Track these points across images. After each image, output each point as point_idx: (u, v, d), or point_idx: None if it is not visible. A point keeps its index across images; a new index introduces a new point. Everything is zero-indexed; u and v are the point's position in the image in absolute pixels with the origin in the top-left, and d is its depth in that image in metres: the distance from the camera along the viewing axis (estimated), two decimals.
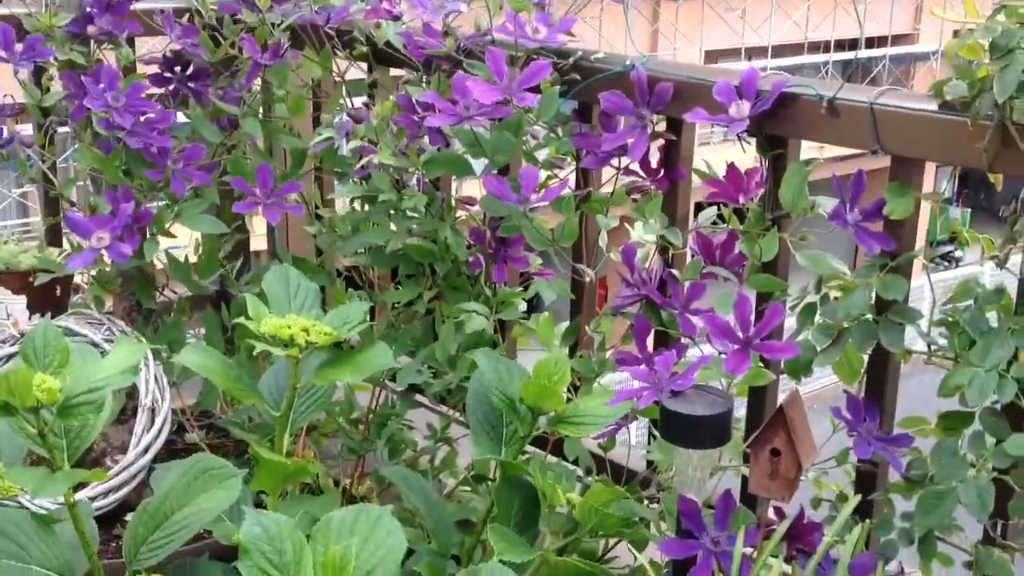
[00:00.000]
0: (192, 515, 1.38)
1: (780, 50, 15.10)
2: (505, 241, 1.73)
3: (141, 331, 1.94)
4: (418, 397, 1.92)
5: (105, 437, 1.93)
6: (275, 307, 1.49)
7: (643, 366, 1.38)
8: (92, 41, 1.96)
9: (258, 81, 1.96)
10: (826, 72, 15.21)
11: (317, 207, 1.96)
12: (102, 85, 1.72)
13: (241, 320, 1.42)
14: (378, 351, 1.45)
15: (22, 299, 2.02)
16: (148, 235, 1.83)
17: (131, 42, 2.09)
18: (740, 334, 1.27)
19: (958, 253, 15.06)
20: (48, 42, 1.89)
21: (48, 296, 2.02)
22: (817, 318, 1.39)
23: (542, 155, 1.63)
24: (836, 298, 1.41)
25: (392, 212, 1.76)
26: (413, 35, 1.66)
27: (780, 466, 1.16)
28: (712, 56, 14.99)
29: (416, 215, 1.76)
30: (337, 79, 1.91)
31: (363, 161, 1.65)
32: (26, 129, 2.03)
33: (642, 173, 1.58)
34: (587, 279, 1.67)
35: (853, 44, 15.35)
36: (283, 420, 1.46)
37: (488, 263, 1.76)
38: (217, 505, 1.39)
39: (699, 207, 1.54)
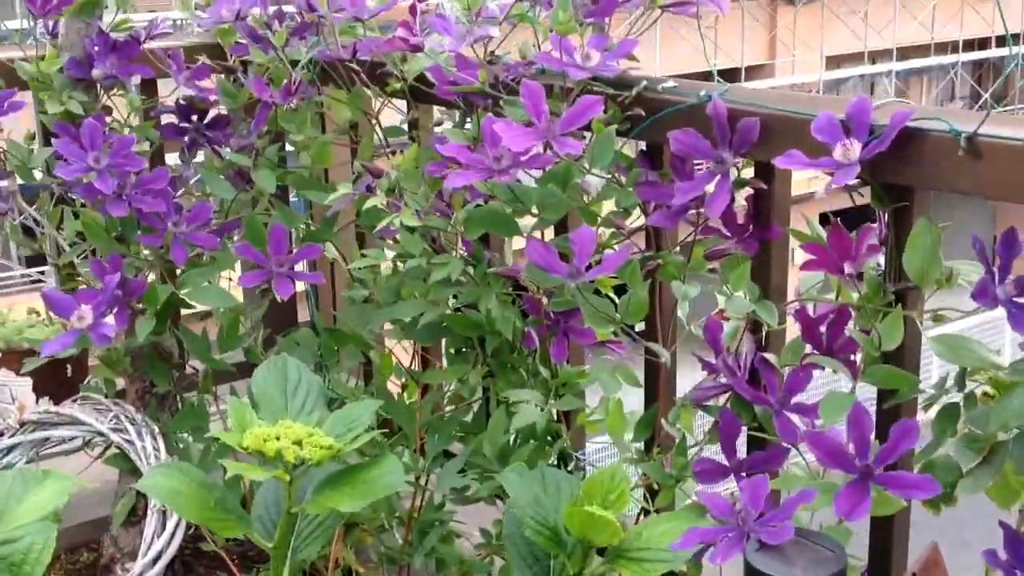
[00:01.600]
0: None
1: (905, 52, 14.47)
2: (565, 311, 1.42)
3: (154, 416, 1.70)
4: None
5: (115, 541, 1.69)
6: (267, 410, 1.22)
7: (725, 491, 1.06)
8: (99, 87, 1.73)
9: None
10: (955, 74, 14.48)
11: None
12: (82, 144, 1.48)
13: (218, 434, 1.15)
14: (387, 467, 1.16)
15: (28, 381, 1.79)
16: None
17: (151, 85, 1.86)
18: (857, 461, 0.94)
19: None
20: (44, 91, 1.65)
21: (57, 377, 1.80)
22: (960, 425, 1.05)
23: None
24: (986, 395, 1.07)
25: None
26: (442, 68, 1.36)
27: None
28: (834, 61, 14.44)
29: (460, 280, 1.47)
30: (372, 121, 1.63)
31: (384, 221, 1.36)
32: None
33: (725, 231, 1.25)
34: (662, 360, 1.35)
35: (983, 44, 14.58)
36: (279, 554, 1.18)
37: (545, 338, 1.45)
38: None
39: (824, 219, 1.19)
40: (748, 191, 1.24)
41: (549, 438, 1.49)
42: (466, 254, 1.47)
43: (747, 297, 1.21)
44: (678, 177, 1.26)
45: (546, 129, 1.19)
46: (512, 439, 1.48)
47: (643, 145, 1.36)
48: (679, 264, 1.28)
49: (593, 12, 1.36)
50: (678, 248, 1.34)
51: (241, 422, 1.16)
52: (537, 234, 1.39)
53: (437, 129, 1.53)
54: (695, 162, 1.26)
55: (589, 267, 1.23)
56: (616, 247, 1.38)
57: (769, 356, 1.20)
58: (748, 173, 1.24)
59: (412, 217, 1.32)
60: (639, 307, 1.26)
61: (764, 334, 1.24)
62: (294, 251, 1.51)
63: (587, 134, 1.28)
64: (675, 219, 1.26)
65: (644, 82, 1.29)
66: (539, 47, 1.38)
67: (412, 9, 1.35)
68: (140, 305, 1.56)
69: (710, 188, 1.21)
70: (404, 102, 1.62)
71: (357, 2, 1.45)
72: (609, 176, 1.32)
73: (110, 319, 1.42)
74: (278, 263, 1.47)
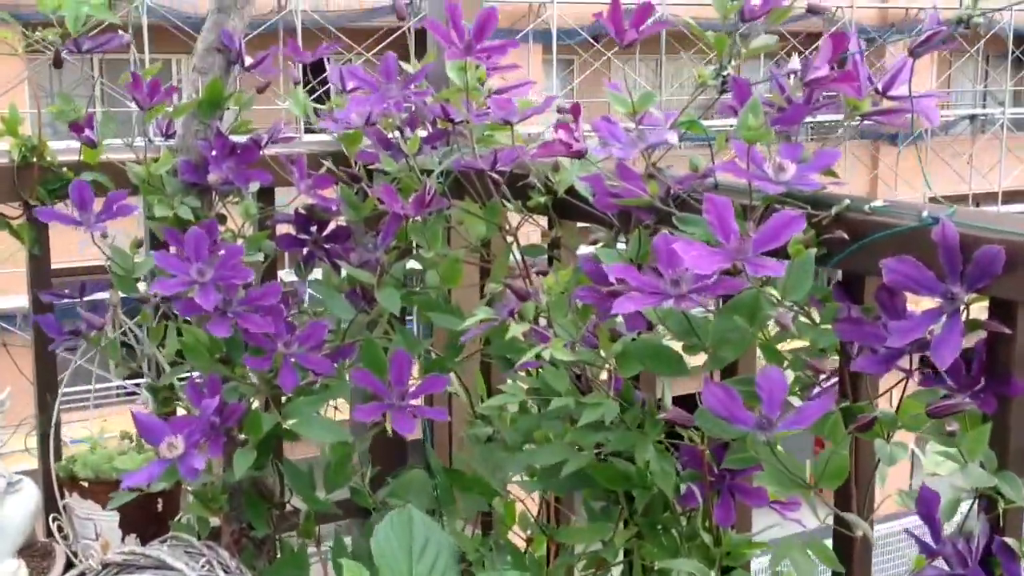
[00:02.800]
0: None
1: (1011, 196, 14.14)
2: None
3: (250, 563, 1.50)
4: None
5: None
6: (388, 574, 1.01)
7: None
8: (214, 193, 1.59)
9: None
10: None
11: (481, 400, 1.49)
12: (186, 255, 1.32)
13: None
14: None
15: (115, 515, 1.61)
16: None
17: (269, 193, 1.72)
18: None
19: None
20: (154, 195, 1.52)
21: (146, 512, 1.61)
22: None
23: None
24: None
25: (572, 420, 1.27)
26: (603, 178, 1.19)
27: None
28: (936, 203, 14.13)
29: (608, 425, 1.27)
30: (508, 238, 1.46)
31: (530, 354, 1.17)
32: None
33: (951, 382, 1.03)
34: (858, 534, 1.12)
35: None
36: None
37: (708, 497, 1.23)
38: None
39: None
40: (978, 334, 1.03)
41: None
42: (612, 393, 1.27)
43: (982, 466, 0.98)
44: (887, 314, 1.05)
45: (737, 249, 1.00)
46: None
47: (839, 275, 1.15)
48: (889, 420, 1.06)
49: (780, 120, 1.18)
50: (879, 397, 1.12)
51: None
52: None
53: (587, 249, 1.34)
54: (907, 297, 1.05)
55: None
56: (799, 394, 1.18)
57: (1010, 541, 0.97)
58: None
59: (563, 350, 1.12)
60: (840, 469, 1.04)
61: (1001, 512, 1.00)
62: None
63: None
64: (887, 365, 1.04)
65: (847, 200, 1.10)
66: (713, 160, 1.20)
67: (575, 109, 1.18)
68: (241, 435, 1.38)
69: (936, 330, 1.00)
70: (540, 218, 1.46)
71: (505, 105, 1.29)
72: (798, 311, 1.12)
73: (203, 451, 1.24)
74: (400, 395, 1.28)
